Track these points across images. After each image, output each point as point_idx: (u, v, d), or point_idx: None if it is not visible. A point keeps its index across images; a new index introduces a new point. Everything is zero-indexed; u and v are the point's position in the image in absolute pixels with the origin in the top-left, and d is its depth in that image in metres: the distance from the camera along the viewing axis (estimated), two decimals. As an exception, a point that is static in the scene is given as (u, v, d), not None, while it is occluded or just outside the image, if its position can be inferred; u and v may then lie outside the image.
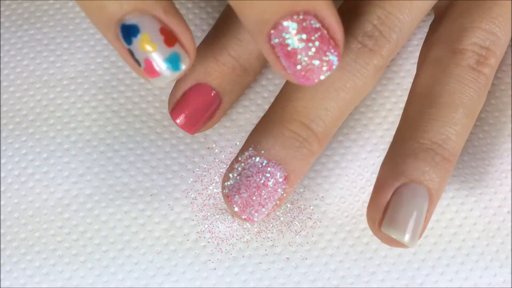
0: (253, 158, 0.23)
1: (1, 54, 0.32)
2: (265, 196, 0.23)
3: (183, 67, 0.21)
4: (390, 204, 0.24)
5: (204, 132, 0.29)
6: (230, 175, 0.24)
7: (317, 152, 0.24)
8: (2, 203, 0.28)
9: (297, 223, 0.28)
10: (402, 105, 0.30)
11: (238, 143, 0.29)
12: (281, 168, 0.23)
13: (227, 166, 0.27)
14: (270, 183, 0.23)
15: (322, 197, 0.28)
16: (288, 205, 0.28)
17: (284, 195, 0.24)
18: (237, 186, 0.23)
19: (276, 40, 0.20)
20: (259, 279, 0.27)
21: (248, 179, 0.23)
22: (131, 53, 0.21)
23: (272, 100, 0.30)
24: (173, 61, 0.21)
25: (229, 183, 0.24)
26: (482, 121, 0.30)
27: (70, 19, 0.32)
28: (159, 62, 0.21)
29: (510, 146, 0.29)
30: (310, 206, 0.28)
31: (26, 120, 0.30)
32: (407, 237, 0.23)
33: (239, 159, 0.24)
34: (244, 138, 0.29)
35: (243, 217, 0.24)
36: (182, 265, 0.27)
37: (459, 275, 0.27)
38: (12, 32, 0.32)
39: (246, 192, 0.23)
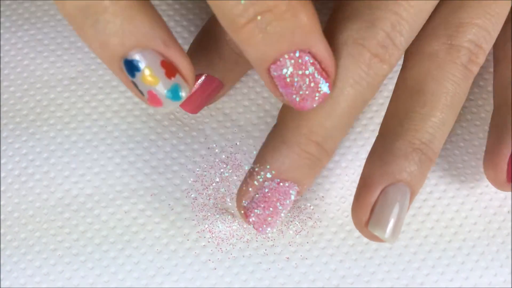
0: (270, 177, 0.24)
1: (2, 54, 0.32)
2: (279, 212, 0.24)
3: (183, 95, 0.22)
4: (377, 204, 0.24)
5: (205, 132, 0.29)
6: (246, 193, 0.24)
7: (325, 164, 0.25)
8: (2, 203, 0.28)
9: (297, 223, 0.28)
10: (402, 105, 0.30)
11: (238, 143, 0.29)
12: (295, 185, 0.24)
13: (228, 166, 0.27)
14: (287, 202, 0.24)
15: (322, 196, 0.28)
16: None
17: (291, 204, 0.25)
18: (254, 205, 0.24)
19: (275, 73, 0.22)
20: (259, 279, 0.27)
21: (265, 198, 0.24)
22: (135, 85, 0.22)
23: (272, 100, 0.30)
24: (174, 92, 0.22)
25: (245, 202, 0.24)
26: (482, 120, 0.30)
27: (71, 19, 0.32)
28: (161, 94, 0.22)
29: (510, 146, 0.29)
30: (310, 206, 0.28)
31: (26, 120, 0.30)
32: (388, 234, 0.24)
33: (255, 175, 0.24)
34: (244, 138, 0.29)
35: (259, 231, 0.25)
36: (182, 265, 0.27)
37: (460, 274, 0.27)
38: (12, 32, 0.32)
39: (264, 210, 0.24)
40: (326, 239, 0.27)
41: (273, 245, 0.27)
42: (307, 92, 0.22)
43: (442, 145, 0.25)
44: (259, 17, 0.20)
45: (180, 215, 0.28)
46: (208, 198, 0.28)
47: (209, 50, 0.28)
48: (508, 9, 0.26)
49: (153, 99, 0.22)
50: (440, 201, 0.28)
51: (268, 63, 0.21)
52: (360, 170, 0.29)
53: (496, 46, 0.29)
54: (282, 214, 0.24)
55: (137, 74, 0.22)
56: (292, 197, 0.24)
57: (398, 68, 0.31)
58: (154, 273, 0.27)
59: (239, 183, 0.28)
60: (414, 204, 0.28)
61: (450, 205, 0.28)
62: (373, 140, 0.29)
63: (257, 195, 0.24)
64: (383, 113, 0.30)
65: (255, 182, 0.24)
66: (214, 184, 0.28)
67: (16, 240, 0.27)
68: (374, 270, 0.27)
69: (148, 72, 0.21)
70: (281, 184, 0.24)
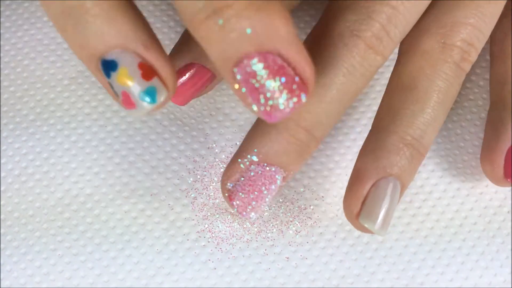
0: (256, 161, 0.24)
1: (2, 54, 0.32)
2: (264, 197, 0.24)
3: (161, 99, 0.22)
4: (368, 196, 0.24)
5: (204, 131, 0.29)
6: (232, 175, 0.24)
7: (314, 150, 0.25)
8: (2, 202, 0.28)
9: (297, 222, 0.28)
10: (402, 105, 0.30)
11: (238, 143, 0.29)
12: (282, 170, 0.24)
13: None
14: (272, 187, 0.24)
15: (322, 196, 0.28)
16: (288, 205, 0.28)
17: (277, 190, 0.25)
18: (239, 188, 0.24)
19: (239, 77, 0.20)
20: (259, 279, 0.27)
21: (250, 182, 0.24)
22: (111, 85, 0.22)
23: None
24: (150, 94, 0.22)
25: (230, 184, 0.24)
26: (482, 120, 0.30)
27: (71, 19, 0.32)
28: (135, 95, 0.22)
29: (510, 145, 0.29)
30: (310, 205, 0.28)
31: (26, 120, 0.30)
32: (378, 227, 0.24)
33: (240, 160, 0.24)
34: (244, 137, 0.29)
35: (243, 215, 0.24)
36: (182, 264, 0.27)
37: (460, 274, 0.27)
38: (12, 32, 0.32)
39: (248, 194, 0.24)
40: (326, 239, 0.27)
41: (273, 245, 0.27)
42: (279, 101, 0.20)
43: (433, 140, 0.26)
44: (218, 13, 0.19)
45: (180, 215, 0.28)
46: (208, 198, 0.28)
47: None
48: (501, 8, 0.26)
49: (127, 101, 0.22)
50: (440, 201, 0.28)
51: (230, 63, 0.20)
52: (360, 170, 0.29)
53: (493, 42, 0.30)
54: (267, 199, 0.24)
55: (113, 74, 0.21)
56: (278, 182, 0.24)
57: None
58: (154, 273, 0.27)
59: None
60: (414, 204, 0.28)
61: (450, 205, 0.28)
62: (373, 140, 0.29)
63: (242, 179, 0.24)
64: (383, 113, 0.30)
65: (241, 165, 0.24)
66: (214, 184, 0.28)
67: (16, 240, 0.27)
68: (374, 270, 0.27)
69: (123, 72, 0.21)
70: (267, 168, 0.24)
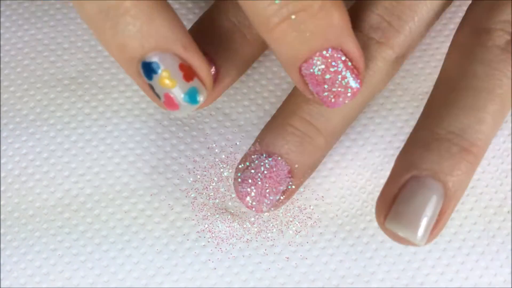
0: (258, 152, 0.25)
1: (2, 54, 0.32)
2: (266, 188, 0.24)
3: (201, 99, 0.22)
4: (397, 198, 0.22)
5: (204, 131, 0.29)
6: (240, 167, 0.25)
7: (323, 147, 0.25)
8: (2, 202, 0.28)
9: (297, 222, 0.28)
10: (402, 105, 0.30)
11: (238, 143, 0.29)
12: (283, 162, 0.24)
13: (228, 166, 0.27)
14: (273, 176, 0.24)
15: (322, 196, 0.28)
16: (288, 205, 0.28)
17: (293, 187, 0.25)
18: (244, 179, 0.24)
19: (306, 72, 0.22)
20: (259, 279, 0.27)
21: (252, 171, 0.24)
22: (152, 88, 0.22)
23: (272, 100, 0.30)
24: (191, 95, 0.22)
25: (238, 175, 0.25)
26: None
27: (71, 19, 0.32)
28: (178, 97, 0.22)
29: (510, 146, 0.29)
30: (310, 205, 0.28)
31: (26, 120, 0.30)
32: (412, 233, 0.21)
33: (247, 154, 0.25)
34: (244, 138, 0.29)
35: (246, 205, 0.25)
36: (182, 264, 0.27)
37: (459, 274, 0.27)
38: (12, 32, 0.32)
39: (252, 184, 0.24)
40: (326, 239, 0.27)
41: (273, 245, 0.27)
42: (339, 89, 0.22)
43: (491, 136, 0.22)
44: (293, 16, 0.20)
45: (180, 215, 0.28)
46: (208, 198, 0.28)
47: (204, 21, 0.27)
48: None
49: (170, 103, 0.22)
50: (440, 201, 0.28)
51: (300, 61, 0.21)
52: (360, 170, 0.29)
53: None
54: (274, 194, 0.24)
55: (155, 76, 0.21)
56: (283, 174, 0.24)
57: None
58: (154, 273, 0.27)
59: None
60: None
61: (450, 205, 0.28)
62: (373, 140, 0.29)
63: (246, 170, 0.24)
64: (383, 113, 0.30)
65: (245, 157, 0.25)
66: (214, 184, 0.28)
67: (16, 240, 0.27)
68: (374, 270, 0.27)
69: (165, 74, 0.21)
70: (270, 159, 0.24)
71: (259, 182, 0.24)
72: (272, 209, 0.25)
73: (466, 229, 0.28)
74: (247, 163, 0.25)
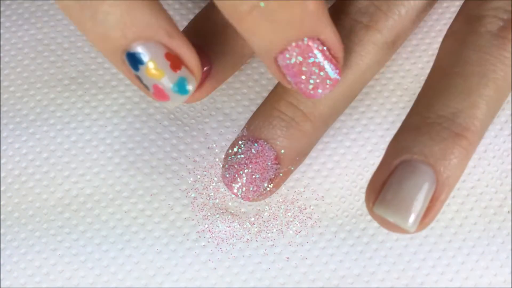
0: (245, 138, 0.24)
1: (2, 54, 0.32)
2: (256, 174, 0.24)
3: (190, 88, 0.22)
4: (386, 183, 0.21)
5: (204, 131, 0.29)
6: (229, 152, 0.25)
7: (311, 133, 0.24)
8: (2, 202, 0.28)
9: (297, 222, 0.28)
10: (402, 105, 0.30)
11: (238, 143, 0.29)
12: (269, 146, 0.24)
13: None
14: (259, 161, 0.24)
15: (322, 196, 0.28)
16: (288, 205, 0.28)
17: (280, 175, 0.24)
18: (230, 164, 0.24)
19: (283, 63, 0.21)
20: (259, 279, 0.27)
21: (239, 157, 0.24)
22: (139, 79, 0.21)
23: (272, 100, 0.30)
24: (180, 85, 0.21)
25: (225, 163, 0.24)
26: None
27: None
28: (167, 87, 0.21)
29: (510, 146, 0.29)
30: (310, 205, 0.28)
31: (26, 120, 0.30)
32: (402, 219, 0.21)
33: (235, 140, 0.25)
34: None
35: (232, 191, 0.24)
36: (182, 264, 0.27)
37: (460, 274, 0.27)
38: (12, 32, 0.32)
39: (238, 170, 0.24)
40: (326, 239, 0.27)
41: (273, 245, 0.27)
42: (318, 81, 0.21)
43: (487, 121, 0.22)
44: (262, 4, 0.18)
45: (180, 215, 0.28)
46: (208, 198, 0.28)
47: (195, 16, 0.27)
48: None
49: (159, 94, 0.21)
50: (440, 201, 0.28)
51: (275, 52, 0.20)
52: (360, 170, 0.29)
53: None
54: (261, 181, 0.24)
55: (141, 67, 0.21)
56: (270, 159, 0.24)
57: (398, 68, 0.31)
58: (154, 273, 0.27)
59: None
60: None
61: (450, 205, 0.28)
62: (373, 140, 0.29)
63: (233, 157, 0.24)
64: (383, 113, 0.30)
65: (233, 145, 0.24)
66: (214, 184, 0.28)
67: (16, 240, 0.27)
68: (374, 270, 0.27)
69: (152, 65, 0.20)
70: (256, 144, 0.24)
71: (246, 169, 0.24)
72: (260, 197, 0.24)
73: (466, 229, 0.28)
74: (235, 149, 0.24)
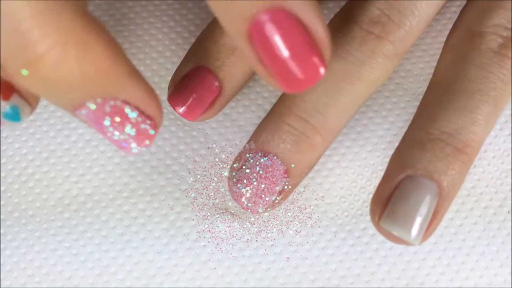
0: (253, 151, 0.24)
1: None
2: (262, 188, 0.24)
3: (24, 116, 0.21)
4: (392, 197, 0.22)
5: (204, 132, 0.29)
6: (235, 166, 0.24)
7: (320, 146, 0.24)
8: (2, 202, 0.28)
9: (297, 222, 0.28)
10: (402, 105, 0.30)
11: (238, 143, 0.29)
12: (279, 161, 0.23)
13: (228, 166, 0.27)
14: (269, 175, 0.23)
15: (322, 196, 0.28)
16: (288, 205, 0.28)
17: (289, 187, 0.24)
18: (239, 178, 0.24)
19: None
20: (259, 279, 0.27)
21: (248, 171, 0.24)
22: None
23: (272, 100, 0.30)
24: (12, 115, 0.21)
25: (233, 174, 0.24)
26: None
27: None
28: None
29: (510, 146, 0.29)
30: (310, 205, 0.28)
31: (26, 120, 0.30)
32: (406, 233, 0.21)
33: (241, 153, 0.24)
34: (244, 138, 0.29)
35: (241, 205, 0.24)
36: (182, 264, 0.27)
37: (460, 274, 0.27)
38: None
39: (247, 184, 0.24)
40: (326, 239, 0.27)
41: (273, 245, 0.27)
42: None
43: (484, 137, 0.22)
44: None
45: (180, 215, 0.28)
46: (208, 198, 0.28)
47: (206, 41, 0.26)
48: None
49: None
50: (440, 201, 0.28)
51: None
52: (360, 170, 0.29)
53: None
54: (270, 194, 0.23)
55: None
56: (280, 173, 0.23)
57: (398, 68, 0.31)
58: (154, 273, 0.27)
59: (239, 183, 0.28)
60: (414, 204, 0.28)
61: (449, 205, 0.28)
62: (373, 140, 0.29)
63: (245, 169, 0.23)
64: (383, 113, 0.30)
65: (240, 157, 0.24)
66: (214, 184, 0.28)
67: (16, 240, 0.27)
68: (374, 270, 0.27)
69: None
70: (265, 158, 0.23)
71: (255, 183, 0.23)
72: (269, 209, 0.24)
73: (466, 229, 0.28)
74: (242, 162, 0.24)
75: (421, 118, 0.23)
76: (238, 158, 0.24)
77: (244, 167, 0.24)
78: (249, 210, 0.24)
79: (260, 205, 0.24)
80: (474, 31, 0.23)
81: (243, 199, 0.24)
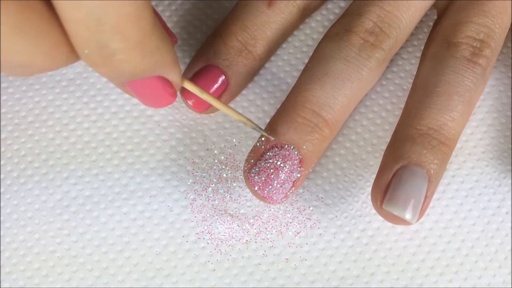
0: (269, 143, 0.26)
1: (0, 56, 0.31)
2: (282, 178, 0.25)
3: None
4: (390, 184, 0.25)
5: (203, 133, 0.29)
6: (251, 159, 0.26)
7: (329, 137, 0.26)
8: (1, 204, 0.28)
9: (296, 224, 0.28)
10: (402, 105, 0.30)
11: (237, 144, 0.29)
12: (296, 151, 0.25)
13: (227, 167, 0.27)
14: (287, 165, 0.25)
15: (322, 197, 0.28)
16: (287, 206, 0.28)
17: (299, 176, 0.26)
18: (257, 168, 0.25)
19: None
20: (259, 280, 0.27)
21: (266, 161, 0.25)
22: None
23: (271, 101, 0.30)
24: None
25: (249, 165, 0.26)
26: (480, 122, 0.30)
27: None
28: None
29: (509, 147, 0.29)
30: (309, 207, 0.28)
31: (25, 122, 0.30)
32: (407, 213, 0.25)
33: (258, 144, 0.26)
34: (243, 139, 0.29)
35: (263, 195, 0.25)
36: (181, 266, 0.27)
37: (459, 275, 0.27)
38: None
39: (265, 173, 0.25)
40: (325, 240, 0.27)
41: (272, 246, 0.27)
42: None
43: (460, 131, 0.26)
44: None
45: (179, 217, 0.28)
46: (207, 199, 0.28)
47: (216, 41, 0.29)
48: (504, 4, 0.28)
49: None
50: (439, 202, 0.28)
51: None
52: (359, 171, 0.29)
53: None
54: (287, 183, 0.25)
55: None
56: (295, 163, 0.25)
57: (397, 69, 0.31)
58: (153, 274, 0.27)
59: (238, 184, 0.28)
60: (413, 205, 0.28)
61: (448, 206, 0.28)
62: (373, 140, 0.29)
63: (258, 160, 0.26)
64: (383, 114, 0.30)
65: (256, 148, 0.26)
66: (213, 185, 0.28)
67: (15, 242, 0.27)
68: (374, 271, 0.27)
69: None
70: (283, 150, 0.25)
71: (273, 174, 0.25)
72: (284, 199, 0.26)
73: (465, 230, 0.28)
74: (259, 155, 0.26)
75: (408, 116, 0.27)
76: (254, 151, 0.26)
77: (262, 158, 0.25)
78: (267, 200, 0.26)
79: (280, 194, 0.25)
80: (450, 41, 0.27)
81: (264, 189, 0.25)
